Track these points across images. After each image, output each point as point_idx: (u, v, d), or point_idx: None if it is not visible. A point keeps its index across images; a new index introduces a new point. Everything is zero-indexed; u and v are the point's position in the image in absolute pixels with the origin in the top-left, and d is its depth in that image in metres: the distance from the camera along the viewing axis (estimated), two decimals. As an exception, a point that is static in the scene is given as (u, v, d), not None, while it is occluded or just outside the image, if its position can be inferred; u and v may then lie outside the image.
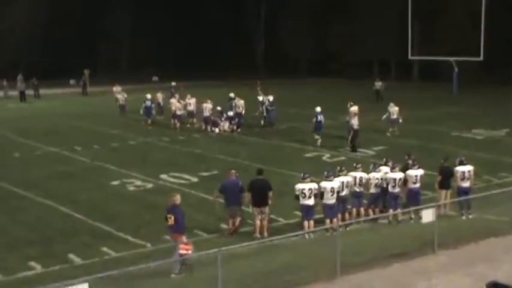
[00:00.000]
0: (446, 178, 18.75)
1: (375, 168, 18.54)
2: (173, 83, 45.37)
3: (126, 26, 72.86)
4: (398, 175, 18.16)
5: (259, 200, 17.16)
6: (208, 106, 34.11)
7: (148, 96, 37.71)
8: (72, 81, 62.06)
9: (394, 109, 32.82)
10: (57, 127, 37.18)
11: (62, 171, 25.58)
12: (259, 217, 17.18)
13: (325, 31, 71.34)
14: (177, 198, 15.04)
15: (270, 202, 17.35)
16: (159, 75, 63.72)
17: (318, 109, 30.58)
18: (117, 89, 39.71)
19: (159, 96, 39.95)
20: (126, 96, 40.92)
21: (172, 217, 14.65)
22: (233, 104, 35.05)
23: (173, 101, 36.37)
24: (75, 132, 35.16)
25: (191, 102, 36.11)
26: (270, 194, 17.34)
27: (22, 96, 51.12)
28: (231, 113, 34.17)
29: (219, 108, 34.49)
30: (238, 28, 77.18)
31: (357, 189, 18.09)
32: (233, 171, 17.59)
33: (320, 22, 71.70)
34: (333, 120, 36.94)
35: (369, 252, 15.00)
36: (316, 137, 29.94)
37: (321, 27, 71.64)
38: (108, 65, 70.89)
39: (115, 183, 23.41)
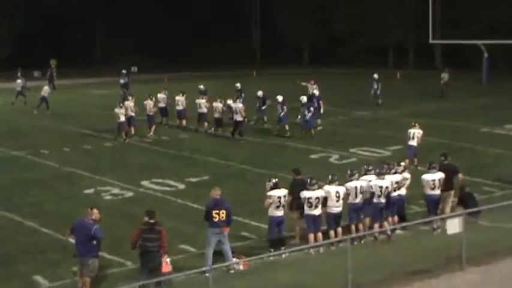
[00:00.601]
0: (449, 178, 18.86)
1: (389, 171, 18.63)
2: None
3: (99, 7, 72.79)
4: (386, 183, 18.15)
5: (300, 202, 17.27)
6: (218, 106, 33.13)
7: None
8: (36, 73, 62.00)
9: None
10: (19, 127, 37.12)
11: (26, 178, 25.50)
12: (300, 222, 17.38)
13: (331, 12, 71.36)
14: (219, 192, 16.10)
15: None
16: (138, 66, 63.81)
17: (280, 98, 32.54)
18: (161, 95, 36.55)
19: (162, 97, 36.54)
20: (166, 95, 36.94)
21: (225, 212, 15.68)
22: (243, 96, 34.67)
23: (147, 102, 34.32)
24: (41, 133, 35.11)
25: (179, 99, 35.33)
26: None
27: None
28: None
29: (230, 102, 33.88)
30: (230, 11, 77.24)
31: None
32: (95, 210, 15.24)
33: (325, 2, 71.76)
34: (343, 116, 37.06)
35: (385, 269, 14.98)
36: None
37: (325, 8, 71.66)
38: (79, 54, 70.84)
39: (88, 191, 23.36)
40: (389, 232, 17.79)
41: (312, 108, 31.74)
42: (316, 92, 36.11)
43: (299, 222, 17.53)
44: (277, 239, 16.98)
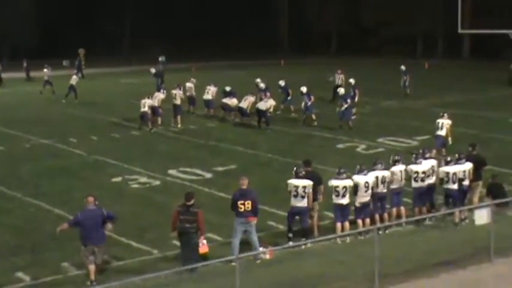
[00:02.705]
0: (477, 168, 18.73)
1: (417, 160, 18.52)
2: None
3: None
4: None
5: None
6: (250, 99, 33.04)
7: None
8: (65, 62, 62.42)
9: None
10: (48, 115, 37.39)
11: (54, 166, 25.70)
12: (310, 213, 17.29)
13: (359, 1, 71.02)
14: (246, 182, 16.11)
15: (320, 197, 17.47)
16: (166, 55, 64.05)
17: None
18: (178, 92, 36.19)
19: (190, 86, 36.74)
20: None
21: (250, 202, 15.74)
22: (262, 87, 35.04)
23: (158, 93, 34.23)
24: (70, 121, 35.33)
25: (209, 88, 35.68)
26: (321, 188, 17.49)
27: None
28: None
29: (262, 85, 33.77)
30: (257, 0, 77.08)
31: (396, 186, 18.03)
32: (91, 198, 15.45)
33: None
34: (371, 106, 36.90)
35: (412, 260, 14.90)
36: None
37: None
38: (108, 43, 71.17)
39: (116, 180, 23.49)
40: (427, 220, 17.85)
41: (348, 100, 31.59)
42: (352, 81, 36.28)
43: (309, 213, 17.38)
44: (290, 229, 16.92)
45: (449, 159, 18.60)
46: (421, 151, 19.28)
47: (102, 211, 15.16)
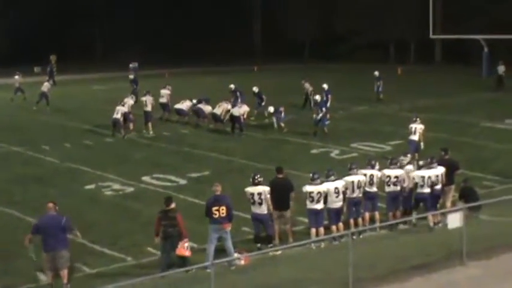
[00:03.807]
0: (449, 172, 18.91)
1: (392, 164, 18.65)
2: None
3: (100, 1, 72.64)
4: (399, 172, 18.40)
5: (280, 203, 17.25)
6: (224, 105, 33.12)
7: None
8: (36, 69, 61.99)
9: None
10: (20, 123, 37.12)
11: (26, 174, 25.53)
12: (278, 221, 17.36)
13: (332, 8, 71.30)
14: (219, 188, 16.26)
15: (291, 204, 17.48)
16: (139, 61, 63.87)
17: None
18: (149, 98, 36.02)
19: (165, 92, 36.43)
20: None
21: (225, 208, 15.87)
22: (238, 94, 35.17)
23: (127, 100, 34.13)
24: (42, 129, 35.11)
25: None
26: (292, 195, 17.49)
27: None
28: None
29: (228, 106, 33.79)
30: (231, 6, 77.07)
31: (370, 190, 18.15)
32: (50, 204, 15.35)
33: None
34: (344, 111, 37.08)
35: (385, 264, 14.97)
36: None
37: (326, 4, 71.62)
38: (80, 50, 70.76)
39: (89, 187, 23.41)
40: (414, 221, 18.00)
41: (324, 109, 31.68)
42: (325, 86, 36.54)
43: (278, 221, 17.43)
44: (257, 236, 17.05)
45: (421, 163, 18.77)
46: (429, 159, 18.92)
47: (62, 219, 14.92)
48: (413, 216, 18.10)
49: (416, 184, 18.12)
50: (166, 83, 37.97)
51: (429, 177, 18.07)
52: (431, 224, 17.90)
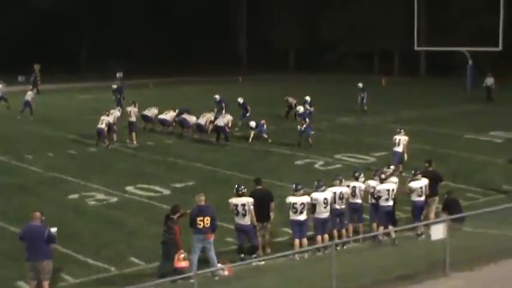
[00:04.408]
0: (433, 184, 19.06)
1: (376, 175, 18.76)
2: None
3: (84, 12, 72.54)
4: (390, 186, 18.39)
5: (260, 214, 17.25)
6: (208, 116, 33.24)
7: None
8: (20, 78, 61.79)
9: None
10: (3, 132, 36.94)
11: (10, 183, 25.43)
12: (261, 232, 17.38)
13: (317, 18, 71.64)
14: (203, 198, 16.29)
15: (272, 215, 17.52)
16: (124, 71, 63.82)
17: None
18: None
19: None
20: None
21: (209, 218, 15.93)
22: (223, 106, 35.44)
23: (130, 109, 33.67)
24: (25, 138, 34.96)
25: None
26: (272, 205, 17.54)
27: None
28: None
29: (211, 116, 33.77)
30: (216, 16, 77.22)
31: (354, 201, 18.26)
32: (37, 213, 15.12)
33: (311, 8, 72.07)
34: (328, 122, 37.21)
35: (369, 275, 15.02)
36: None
37: (311, 14, 71.97)
38: (64, 59, 70.54)
39: (73, 196, 23.33)
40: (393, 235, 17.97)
41: (307, 120, 31.76)
42: (308, 98, 36.62)
43: (260, 232, 17.46)
44: (240, 247, 17.04)
45: (383, 176, 18.75)
46: (413, 172, 19.21)
47: (46, 229, 14.73)
48: (397, 228, 18.17)
49: (380, 197, 18.19)
50: (151, 93, 37.86)
51: (393, 190, 18.17)
52: (419, 231, 18.03)
